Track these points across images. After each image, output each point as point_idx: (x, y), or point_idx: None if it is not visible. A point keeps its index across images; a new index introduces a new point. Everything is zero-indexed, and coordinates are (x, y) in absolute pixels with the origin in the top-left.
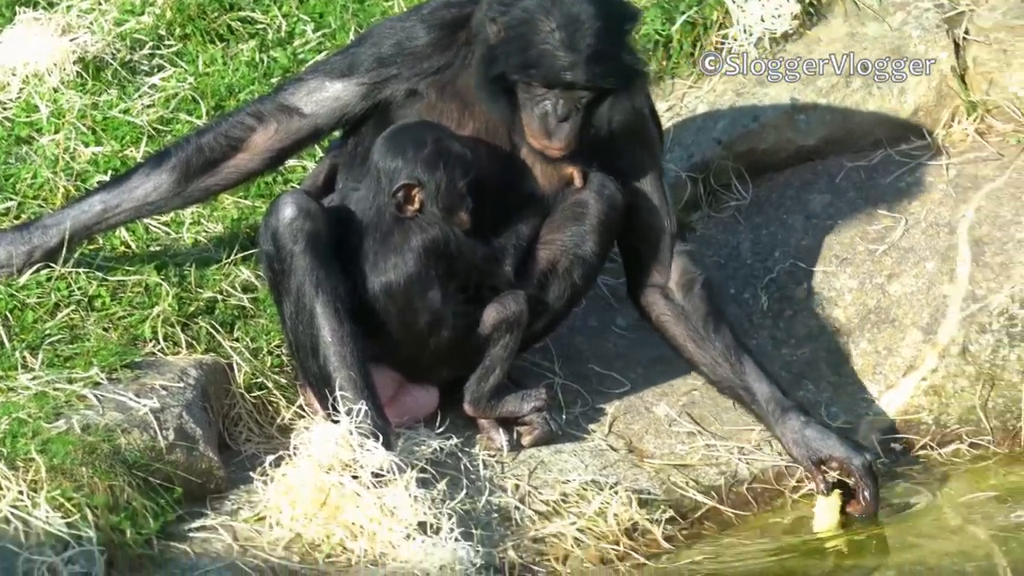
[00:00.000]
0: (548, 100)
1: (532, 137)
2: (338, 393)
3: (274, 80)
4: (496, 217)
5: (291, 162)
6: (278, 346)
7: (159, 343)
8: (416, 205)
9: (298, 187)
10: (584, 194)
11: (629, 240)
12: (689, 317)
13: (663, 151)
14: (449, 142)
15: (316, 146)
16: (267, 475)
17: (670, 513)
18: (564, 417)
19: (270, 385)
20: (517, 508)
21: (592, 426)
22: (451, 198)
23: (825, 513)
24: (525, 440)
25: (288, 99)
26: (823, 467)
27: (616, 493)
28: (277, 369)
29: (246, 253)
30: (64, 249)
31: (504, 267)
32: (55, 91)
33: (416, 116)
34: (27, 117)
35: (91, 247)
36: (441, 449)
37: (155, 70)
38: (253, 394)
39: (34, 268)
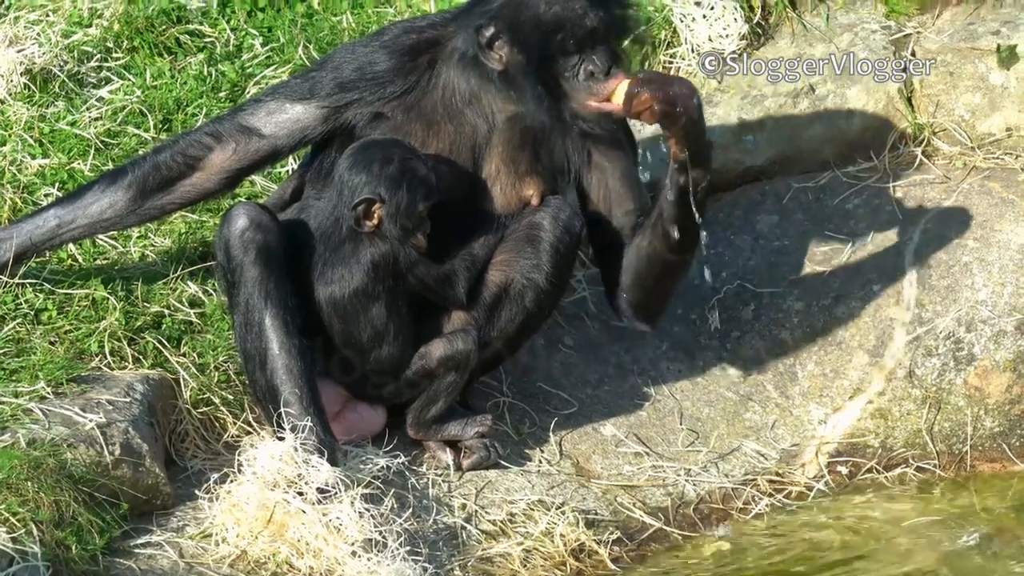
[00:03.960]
0: (583, 65)
1: (591, 102)
2: (283, 409)
3: (222, 94)
4: (452, 237)
5: None
6: (225, 362)
7: (106, 357)
8: (375, 221)
9: (248, 200)
10: (539, 216)
11: (600, 251)
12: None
13: (636, 156)
14: (416, 163)
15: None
16: (212, 492)
17: (617, 534)
18: (513, 437)
19: (217, 401)
20: (464, 527)
21: (539, 446)
22: (410, 219)
23: None
24: (464, 463)
25: (247, 120)
26: None
27: (563, 513)
28: (224, 385)
29: (193, 268)
30: (15, 263)
31: (457, 289)
32: (2, 103)
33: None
34: None
35: (38, 260)
36: (388, 467)
37: (103, 82)
38: (200, 410)
39: None
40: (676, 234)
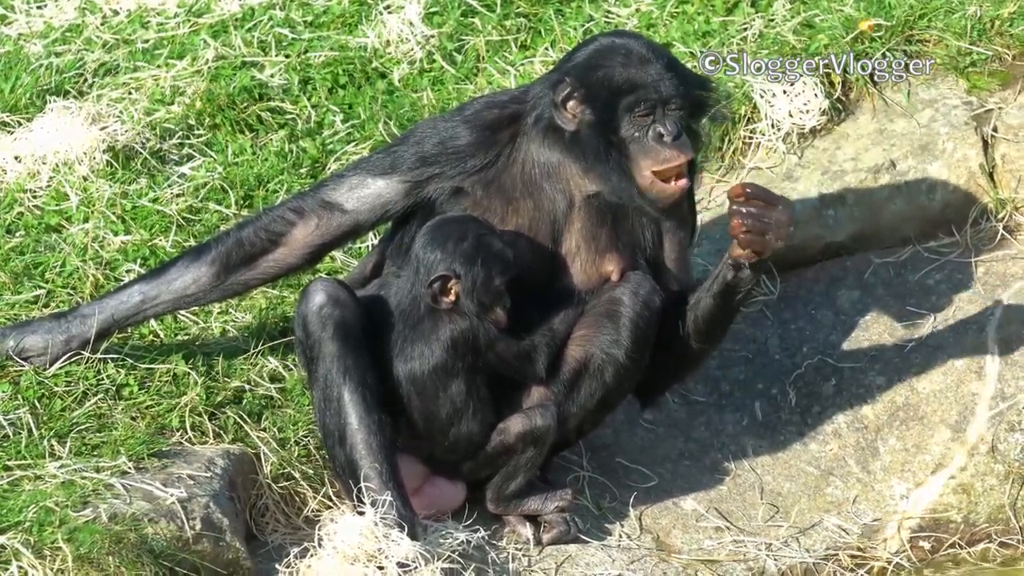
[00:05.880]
0: (652, 127)
1: (656, 165)
2: (363, 483)
3: (303, 170)
4: (531, 313)
5: None
6: (305, 436)
7: (187, 432)
8: (452, 297)
9: (326, 276)
10: (618, 291)
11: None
12: None
13: (694, 234)
14: (491, 238)
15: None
16: (293, 566)
17: None
18: (593, 511)
19: (297, 475)
20: None
21: (619, 520)
22: (487, 294)
23: None
24: (544, 538)
25: (329, 195)
26: None
27: None
28: (304, 459)
29: (274, 343)
30: (98, 340)
31: (536, 365)
32: (85, 180)
33: (461, 211)
34: (57, 205)
35: (120, 336)
36: (468, 541)
37: (184, 159)
38: (280, 484)
39: (66, 357)
40: (707, 327)
